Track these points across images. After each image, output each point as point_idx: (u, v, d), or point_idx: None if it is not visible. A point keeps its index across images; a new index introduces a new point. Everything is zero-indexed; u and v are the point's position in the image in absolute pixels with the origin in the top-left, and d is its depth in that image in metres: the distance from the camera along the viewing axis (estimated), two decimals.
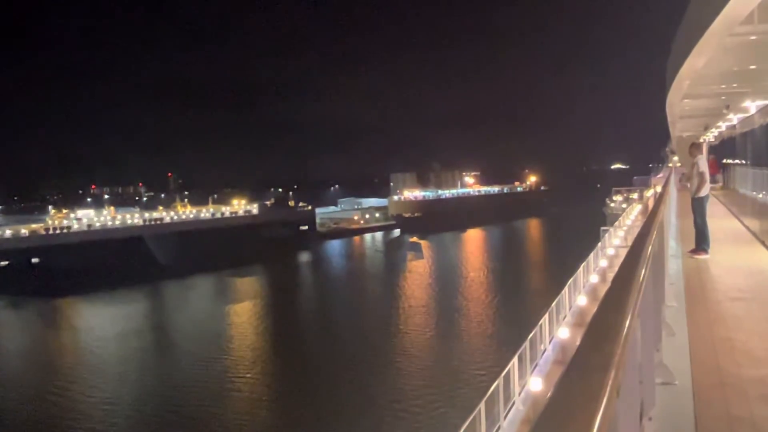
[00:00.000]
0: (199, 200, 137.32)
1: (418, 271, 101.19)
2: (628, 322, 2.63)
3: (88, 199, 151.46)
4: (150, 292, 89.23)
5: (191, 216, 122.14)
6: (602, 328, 2.58)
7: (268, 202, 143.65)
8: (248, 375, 51.55)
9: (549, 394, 1.86)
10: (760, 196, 22.48)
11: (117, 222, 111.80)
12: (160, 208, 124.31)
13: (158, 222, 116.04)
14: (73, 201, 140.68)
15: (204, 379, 49.78)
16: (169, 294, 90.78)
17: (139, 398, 47.08)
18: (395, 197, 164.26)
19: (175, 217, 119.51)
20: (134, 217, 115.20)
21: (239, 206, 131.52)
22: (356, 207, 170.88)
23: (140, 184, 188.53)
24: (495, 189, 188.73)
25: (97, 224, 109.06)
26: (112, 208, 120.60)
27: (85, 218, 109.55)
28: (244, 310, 76.44)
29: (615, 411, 2.04)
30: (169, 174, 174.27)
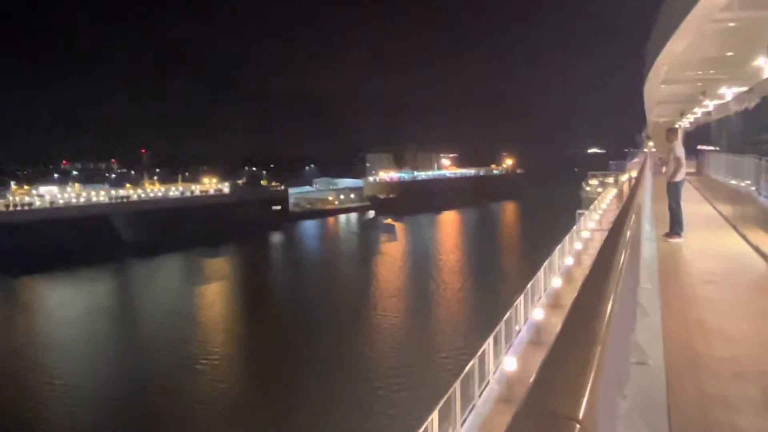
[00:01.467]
0: (171, 177, 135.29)
1: (391, 253, 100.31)
2: (611, 301, 2.66)
3: (55, 175, 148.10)
4: (114, 271, 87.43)
5: (159, 194, 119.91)
6: (587, 306, 2.60)
7: (240, 181, 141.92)
8: (215, 357, 50.57)
9: (537, 370, 1.87)
10: (733, 182, 22.86)
11: (82, 200, 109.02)
12: (128, 185, 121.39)
13: (125, 200, 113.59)
14: (41, 177, 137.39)
15: (169, 362, 48.42)
16: (134, 273, 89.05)
17: (99, 382, 45.52)
18: (370, 178, 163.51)
19: (143, 195, 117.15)
20: (100, 195, 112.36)
21: (210, 185, 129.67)
22: (331, 187, 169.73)
23: (113, 160, 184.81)
24: (471, 171, 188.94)
25: (61, 201, 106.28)
26: (77, 184, 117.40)
27: (48, 195, 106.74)
28: (210, 291, 75.16)
29: (600, 387, 2.06)
30: (143, 150, 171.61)
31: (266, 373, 45.72)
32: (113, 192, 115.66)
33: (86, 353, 52.15)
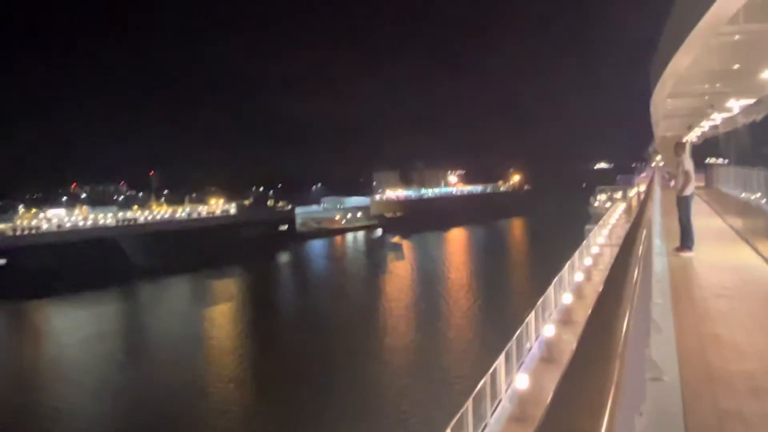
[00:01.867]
0: (179, 199, 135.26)
1: (399, 272, 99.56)
2: (627, 317, 2.64)
3: (64, 198, 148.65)
4: (121, 294, 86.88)
5: (166, 216, 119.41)
6: (602, 322, 2.58)
7: (246, 202, 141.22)
8: (224, 380, 49.89)
9: (555, 387, 1.85)
10: (743, 195, 22.77)
11: (89, 222, 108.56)
12: (135, 207, 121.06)
13: (132, 222, 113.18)
14: (52, 200, 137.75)
15: (178, 385, 47.82)
16: (142, 296, 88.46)
17: (106, 407, 45.05)
18: (377, 197, 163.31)
19: (150, 217, 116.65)
20: (107, 217, 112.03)
21: (216, 206, 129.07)
22: (339, 206, 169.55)
23: (122, 182, 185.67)
24: (478, 188, 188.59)
25: (68, 225, 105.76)
26: (84, 207, 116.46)
27: (56, 218, 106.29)
28: (218, 313, 74.67)
29: (619, 404, 2.04)
30: (151, 172, 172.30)
31: (276, 396, 45.19)
32: (120, 214, 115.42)
33: (93, 378, 51.65)
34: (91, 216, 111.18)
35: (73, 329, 70.22)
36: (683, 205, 16.30)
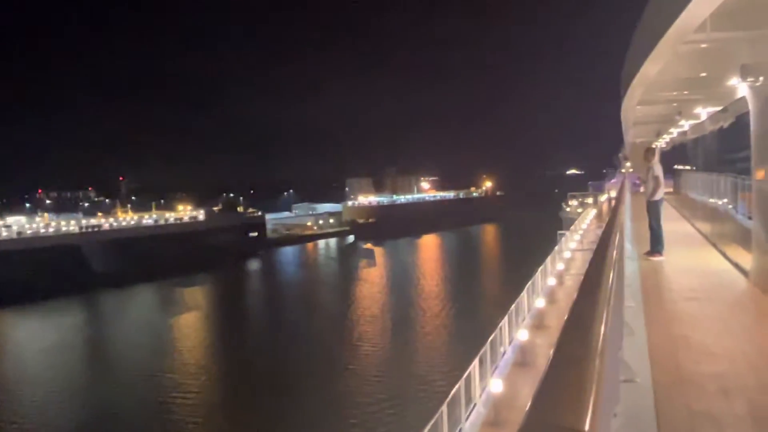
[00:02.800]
0: (148, 205, 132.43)
1: (370, 279, 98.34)
2: (605, 314, 2.67)
3: (27, 205, 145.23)
4: (83, 303, 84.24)
5: (132, 223, 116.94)
6: (581, 320, 2.61)
7: (215, 208, 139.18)
8: (187, 393, 48.20)
9: (539, 384, 1.86)
10: (710, 200, 23.19)
11: (51, 229, 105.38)
12: (99, 214, 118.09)
13: (96, 229, 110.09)
14: (12, 207, 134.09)
15: (141, 397, 46.59)
16: (104, 305, 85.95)
17: (64, 420, 43.79)
18: (349, 203, 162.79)
19: (115, 224, 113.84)
20: (70, 224, 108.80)
21: (184, 212, 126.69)
22: (311, 212, 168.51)
23: (90, 188, 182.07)
24: (451, 194, 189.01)
25: (29, 232, 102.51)
26: (46, 214, 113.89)
27: (16, 225, 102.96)
28: (183, 322, 72.57)
29: (602, 399, 2.06)
30: (121, 178, 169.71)
31: (242, 407, 44.13)
32: (84, 221, 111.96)
33: (51, 390, 49.73)
34: (53, 223, 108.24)
35: (28, 340, 68.13)
36: (653, 210, 16.55)
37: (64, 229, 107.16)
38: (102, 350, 63.12)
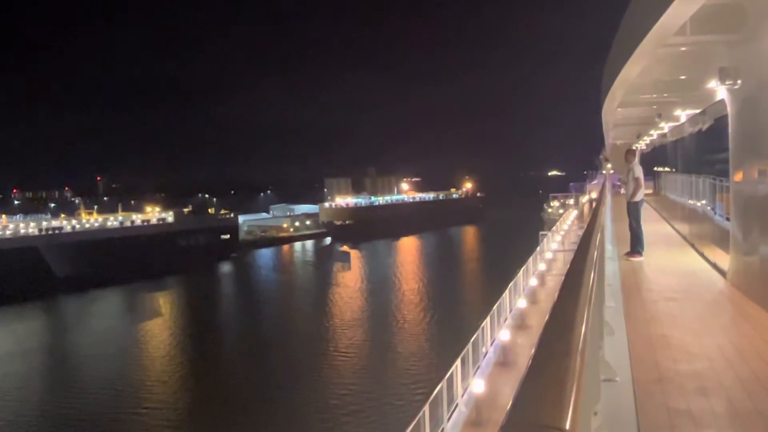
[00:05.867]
0: (123, 206, 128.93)
1: (345, 282, 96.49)
2: (586, 313, 2.69)
3: None
4: (41, 308, 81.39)
5: (96, 225, 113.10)
6: (562, 320, 2.63)
7: (185, 210, 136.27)
8: (152, 404, 46.71)
9: (520, 382, 1.88)
10: (689, 201, 23.45)
11: (8, 232, 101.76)
12: (62, 216, 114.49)
13: (57, 231, 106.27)
14: None
15: (97, 410, 44.80)
16: (63, 311, 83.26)
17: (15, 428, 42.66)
18: (326, 204, 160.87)
19: (78, 226, 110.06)
20: (29, 226, 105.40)
21: (152, 214, 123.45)
22: (288, 214, 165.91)
23: (67, 188, 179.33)
24: (430, 196, 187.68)
25: None
26: (4, 216, 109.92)
27: None
28: (146, 328, 70.28)
29: (582, 397, 2.08)
30: (98, 178, 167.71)
31: (211, 417, 42.97)
32: (45, 223, 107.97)
33: (6, 400, 48.30)
34: (11, 225, 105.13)
35: None
36: (633, 211, 16.71)
37: (23, 231, 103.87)
38: (56, 359, 60.48)
